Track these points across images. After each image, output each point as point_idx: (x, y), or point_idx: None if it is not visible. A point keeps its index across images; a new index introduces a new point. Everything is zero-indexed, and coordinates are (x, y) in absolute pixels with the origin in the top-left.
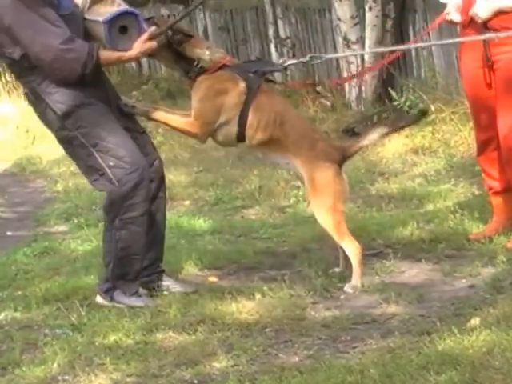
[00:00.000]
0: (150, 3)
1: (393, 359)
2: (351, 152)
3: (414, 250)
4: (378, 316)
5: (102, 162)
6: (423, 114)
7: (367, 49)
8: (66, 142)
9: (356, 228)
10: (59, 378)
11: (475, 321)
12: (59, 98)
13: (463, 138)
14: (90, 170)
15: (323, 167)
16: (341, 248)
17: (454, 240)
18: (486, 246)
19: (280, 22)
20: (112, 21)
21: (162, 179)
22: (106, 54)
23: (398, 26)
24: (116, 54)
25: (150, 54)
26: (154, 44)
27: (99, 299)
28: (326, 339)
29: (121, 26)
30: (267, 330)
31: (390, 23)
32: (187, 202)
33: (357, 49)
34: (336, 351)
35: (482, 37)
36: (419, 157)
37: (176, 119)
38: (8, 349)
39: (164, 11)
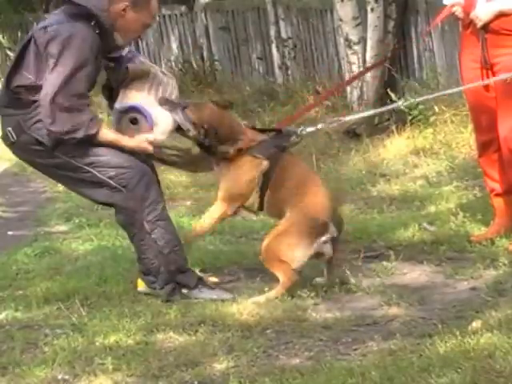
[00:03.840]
0: None
1: (394, 361)
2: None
3: (416, 252)
4: (379, 318)
5: (101, 175)
6: None
7: (368, 49)
8: (56, 169)
9: (357, 229)
10: (59, 377)
11: (477, 323)
12: (46, 132)
13: (465, 140)
14: (90, 186)
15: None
16: (328, 260)
17: (456, 242)
18: (488, 248)
19: (281, 23)
20: (124, 112)
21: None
22: (106, 132)
23: (399, 27)
24: (114, 136)
25: None
26: (149, 149)
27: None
28: (326, 341)
29: (133, 117)
30: (268, 331)
31: (391, 24)
32: (188, 203)
33: (358, 49)
34: (337, 353)
35: (495, 79)
36: (421, 158)
37: (213, 216)
38: (8, 348)
39: (166, 11)
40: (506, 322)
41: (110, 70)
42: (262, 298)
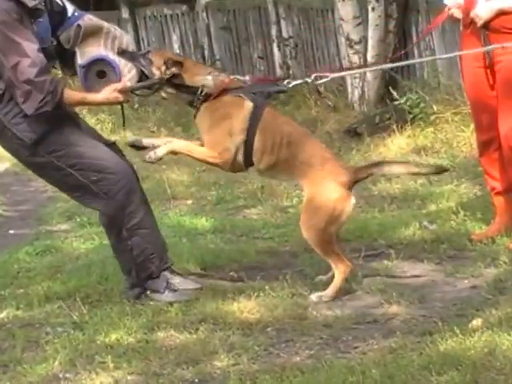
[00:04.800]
0: (153, 3)
1: (394, 359)
2: (362, 175)
3: (416, 251)
4: (379, 316)
5: (83, 179)
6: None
7: (369, 48)
8: (38, 167)
9: (358, 228)
10: (60, 375)
11: (477, 321)
12: (26, 127)
13: (466, 139)
14: (72, 188)
15: (327, 187)
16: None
17: (457, 240)
18: (489, 246)
19: (283, 22)
20: (89, 65)
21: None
22: (70, 93)
23: (400, 27)
24: (80, 95)
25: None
26: (120, 97)
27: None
28: (327, 339)
29: (99, 71)
30: (268, 329)
31: (392, 23)
32: (189, 201)
33: (359, 49)
34: (337, 351)
35: (487, 48)
36: (421, 157)
37: (198, 150)
38: (10, 346)
39: (167, 11)
40: (506, 319)
41: (60, 31)
42: (328, 292)
